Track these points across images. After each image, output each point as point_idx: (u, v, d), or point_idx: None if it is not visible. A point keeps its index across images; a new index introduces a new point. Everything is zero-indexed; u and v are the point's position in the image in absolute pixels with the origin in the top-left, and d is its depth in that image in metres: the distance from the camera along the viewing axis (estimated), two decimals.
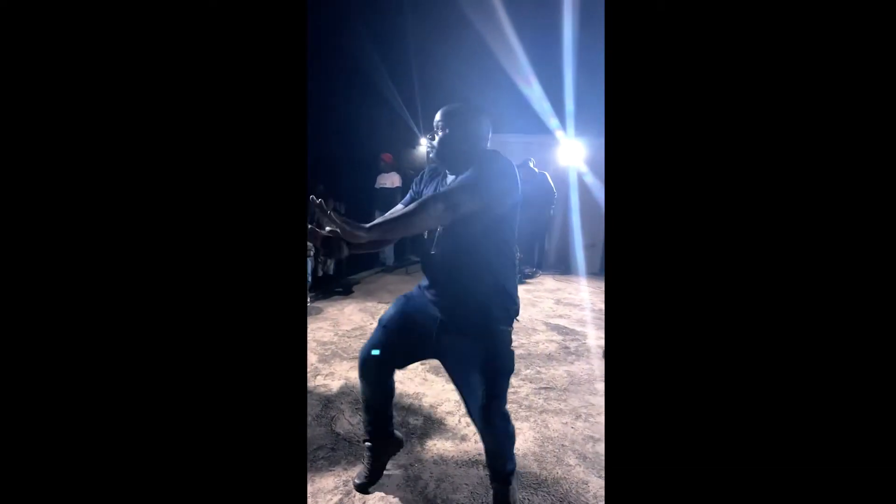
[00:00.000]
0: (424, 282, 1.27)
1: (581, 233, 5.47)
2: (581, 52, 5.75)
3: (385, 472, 1.49)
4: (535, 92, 5.92)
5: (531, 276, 5.13)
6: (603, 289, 4.27)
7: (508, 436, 1.24)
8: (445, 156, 1.16)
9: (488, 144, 1.20)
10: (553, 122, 5.67)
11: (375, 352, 1.30)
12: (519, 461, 1.58)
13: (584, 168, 5.54)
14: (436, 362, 1.34)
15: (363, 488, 1.39)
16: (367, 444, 1.40)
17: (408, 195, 1.33)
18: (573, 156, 5.60)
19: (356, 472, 1.46)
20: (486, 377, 1.15)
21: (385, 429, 1.40)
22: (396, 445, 1.45)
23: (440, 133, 1.15)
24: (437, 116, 1.16)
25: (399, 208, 1.18)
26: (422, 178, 1.32)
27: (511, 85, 6.25)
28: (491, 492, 1.30)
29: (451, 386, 2.21)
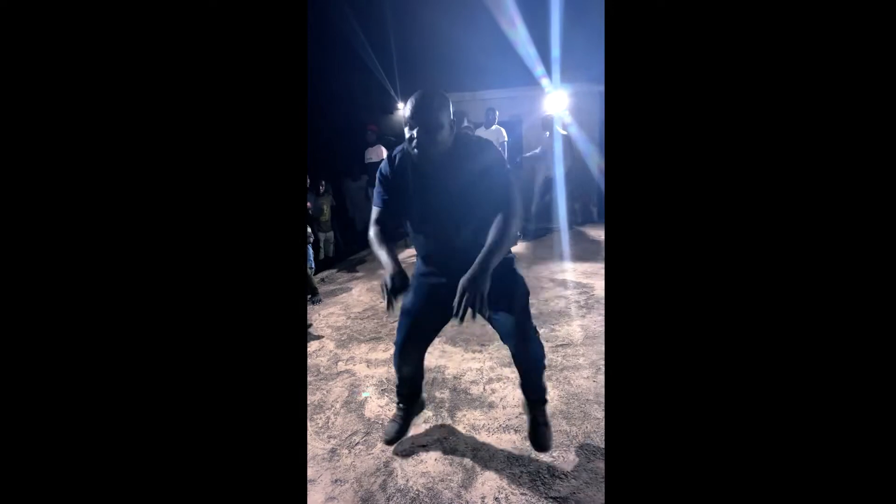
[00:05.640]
0: (432, 258, 1.39)
1: (565, 185, 5.36)
2: None
3: (422, 448, 1.56)
4: (519, 35, 5.65)
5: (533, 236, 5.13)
6: (602, 238, 4.30)
7: (542, 349, 1.43)
8: (426, 145, 1.21)
9: (453, 119, 1.26)
10: (538, 69, 5.47)
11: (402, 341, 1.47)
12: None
13: (567, 118, 5.41)
14: (451, 332, 1.48)
15: (392, 442, 1.57)
16: (400, 405, 1.60)
17: (378, 186, 1.36)
18: (558, 105, 5.46)
19: (387, 432, 1.59)
20: (517, 301, 1.34)
21: (417, 393, 1.62)
22: (421, 406, 1.67)
23: (417, 126, 1.20)
24: (408, 111, 1.22)
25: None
26: (392, 164, 1.34)
27: (495, 30, 5.93)
28: (528, 415, 1.48)
29: (471, 355, 2.28)
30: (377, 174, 1.36)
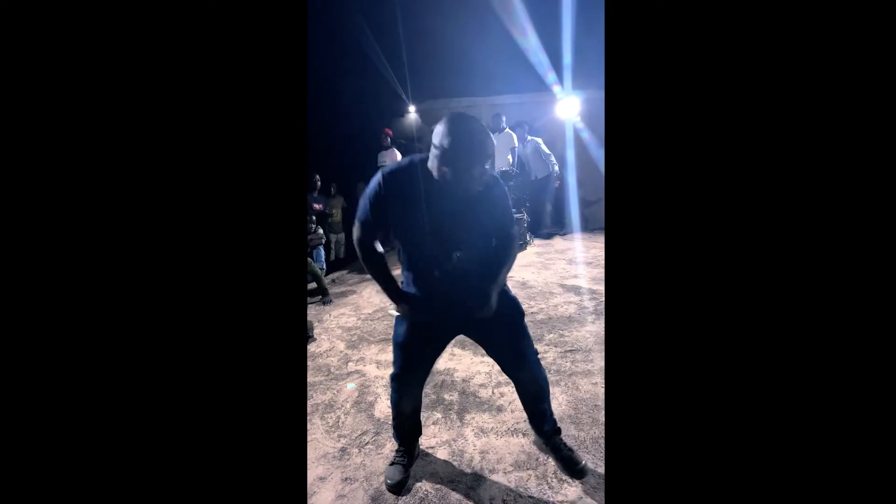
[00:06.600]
0: (420, 285, 1.37)
1: (578, 190, 5.43)
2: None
3: (429, 449, 1.57)
4: (531, 43, 5.69)
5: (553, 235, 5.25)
6: None
7: (545, 375, 1.46)
8: (456, 182, 1.11)
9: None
10: (550, 76, 5.50)
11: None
12: None
13: (580, 123, 5.43)
14: (461, 336, 1.47)
15: (398, 489, 1.40)
16: (400, 448, 1.50)
17: (368, 199, 1.22)
18: (570, 111, 5.48)
19: (390, 477, 1.44)
20: (517, 329, 1.37)
21: (417, 430, 1.52)
22: (417, 451, 1.56)
23: (456, 163, 1.08)
24: (450, 141, 1.08)
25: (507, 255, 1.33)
26: (396, 178, 1.21)
27: (506, 37, 5.97)
28: (551, 449, 1.46)
29: (480, 358, 2.29)
30: (370, 189, 1.22)
